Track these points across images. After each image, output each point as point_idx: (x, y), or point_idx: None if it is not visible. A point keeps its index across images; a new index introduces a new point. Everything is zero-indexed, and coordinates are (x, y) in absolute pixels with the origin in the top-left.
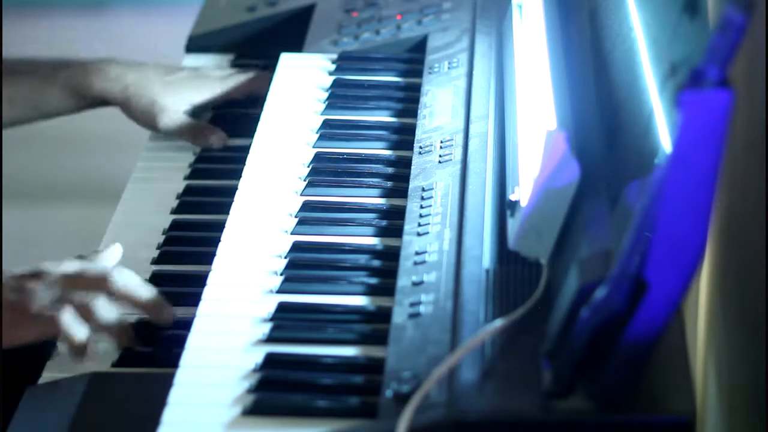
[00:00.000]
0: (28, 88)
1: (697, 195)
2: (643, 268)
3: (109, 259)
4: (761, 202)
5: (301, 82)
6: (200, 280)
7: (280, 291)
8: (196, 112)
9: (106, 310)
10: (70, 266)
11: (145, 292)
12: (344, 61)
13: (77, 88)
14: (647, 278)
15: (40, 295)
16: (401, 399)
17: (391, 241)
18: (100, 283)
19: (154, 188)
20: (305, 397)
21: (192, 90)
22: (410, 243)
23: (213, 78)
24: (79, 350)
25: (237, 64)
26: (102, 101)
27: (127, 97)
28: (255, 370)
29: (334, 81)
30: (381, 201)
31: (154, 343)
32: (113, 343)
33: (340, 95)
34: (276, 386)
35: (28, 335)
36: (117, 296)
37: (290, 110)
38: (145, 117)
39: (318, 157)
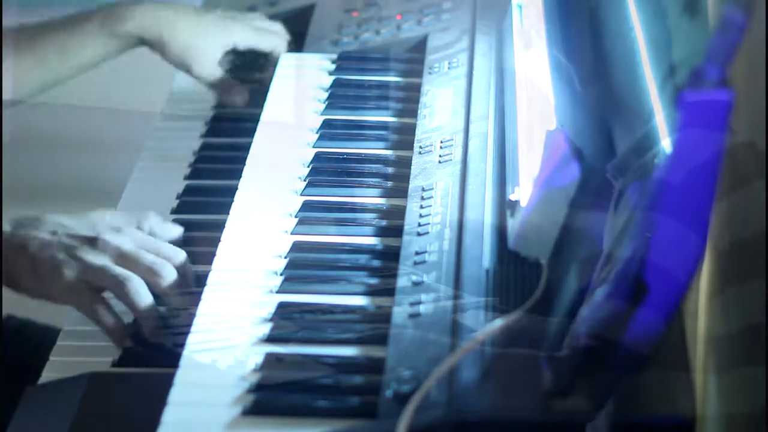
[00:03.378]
0: (57, 43)
1: (697, 195)
2: (643, 268)
3: (169, 234)
4: (761, 202)
5: (301, 82)
6: (200, 280)
7: (280, 291)
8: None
9: (142, 295)
10: (127, 243)
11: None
12: (344, 61)
13: (112, 30)
14: (647, 279)
15: (90, 262)
16: (401, 399)
17: (391, 241)
18: (149, 275)
19: (154, 188)
20: (305, 397)
21: (225, 32)
22: (410, 243)
23: (245, 22)
24: (114, 334)
25: None
26: (137, 41)
27: (161, 35)
28: (255, 370)
29: (334, 81)
30: (381, 201)
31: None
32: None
33: (340, 95)
34: (276, 386)
35: (60, 299)
36: (160, 292)
37: (290, 110)
38: (180, 60)
39: (318, 157)
